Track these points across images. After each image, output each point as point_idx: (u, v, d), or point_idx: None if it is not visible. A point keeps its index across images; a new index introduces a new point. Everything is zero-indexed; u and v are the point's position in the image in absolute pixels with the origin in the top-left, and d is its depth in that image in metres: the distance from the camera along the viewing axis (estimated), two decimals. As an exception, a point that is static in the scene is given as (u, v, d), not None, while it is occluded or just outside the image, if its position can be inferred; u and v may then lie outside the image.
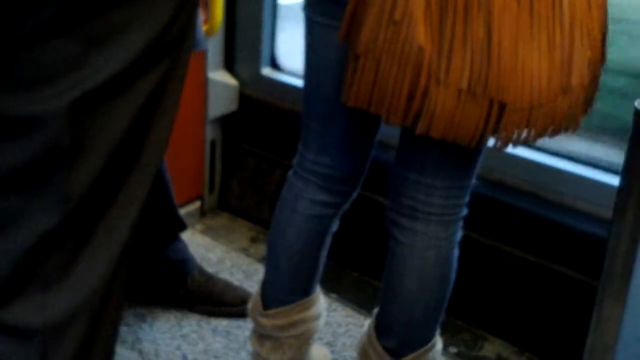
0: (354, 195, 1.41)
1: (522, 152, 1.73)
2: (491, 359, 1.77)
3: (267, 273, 1.46)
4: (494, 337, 1.82)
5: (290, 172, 1.41)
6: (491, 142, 1.17)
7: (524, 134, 1.14)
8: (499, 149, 1.16)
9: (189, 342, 1.73)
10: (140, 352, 1.69)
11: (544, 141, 1.64)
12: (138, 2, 0.77)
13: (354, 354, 1.65)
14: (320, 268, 1.45)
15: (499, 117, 1.10)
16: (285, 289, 1.44)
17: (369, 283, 1.97)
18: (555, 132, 1.18)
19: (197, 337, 1.75)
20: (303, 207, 1.38)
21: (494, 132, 1.13)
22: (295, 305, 1.43)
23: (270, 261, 1.45)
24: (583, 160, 1.71)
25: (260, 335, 1.47)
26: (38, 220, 0.79)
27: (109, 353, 0.91)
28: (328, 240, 1.43)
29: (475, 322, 1.85)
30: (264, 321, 1.44)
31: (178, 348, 1.71)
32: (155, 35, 0.78)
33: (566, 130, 1.20)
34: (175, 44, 0.82)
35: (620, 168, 1.18)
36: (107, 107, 0.78)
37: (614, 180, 1.26)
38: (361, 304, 1.88)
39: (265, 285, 1.46)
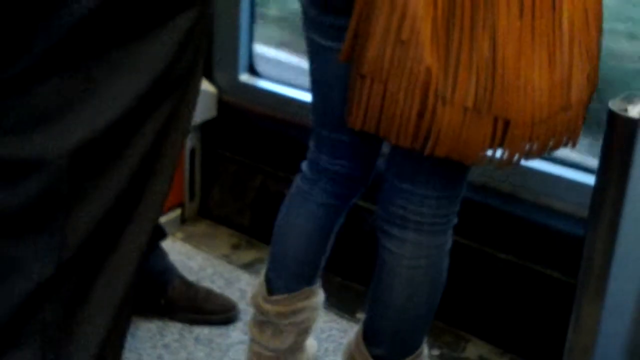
0: (362, 190, 1.43)
1: (499, 153, 1.73)
2: (474, 361, 1.77)
3: (273, 259, 1.47)
4: (476, 338, 1.82)
5: (299, 176, 1.43)
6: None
7: (527, 148, 1.15)
8: (503, 165, 1.17)
9: (170, 352, 1.72)
10: (122, 363, 1.68)
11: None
12: (140, 39, 0.73)
13: (337, 359, 1.64)
14: (325, 259, 1.47)
15: (503, 134, 1.11)
16: (292, 275, 1.45)
17: (352, 288, 1.97)
18: (555, 147, 1.19)
19: (179, 346, 1.74)
20: (316, 195, 1.40)
21: (498, 148, 1.14)
22: (300, 293, 1.45)
23: (277, 246, 1.47)
24: (560, 161, 1.72)
25: (260, 323, 1.48)
26: (32, 269, 0.76)
27: None
28: (335, 230, 1.45)
29: (458, 324, 1.85)
30: (268, 307, 1.45)
31: (160, 357, 1.70)
32: (160, 74, 0.75)
33: (566, 144, 1.21)
34: (180, 81, 0.78)
35: (596, 168, 1.19)
36: (110, 151, 0.75)
37: (591, 180, 1.27)
38: (344, 309, 1.87)
39: (271, 271, 1.47)
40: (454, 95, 1.08)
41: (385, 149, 1.35)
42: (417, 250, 1.30)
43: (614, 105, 1.10)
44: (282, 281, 1.45)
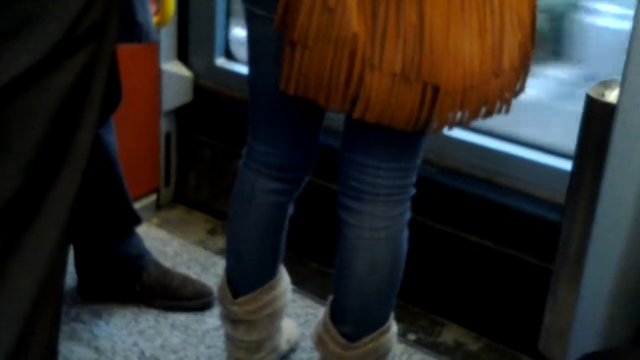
0: (306, 179, 1.42)
1: (475, 138, 1.74)
2: (449, 345, 1.78)
3: (231, 263, 1.46)
4: (452, 323, 1.83)
5: (241, 163, 1.41)
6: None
7: (458, 116, 1.17)
8: (435, 132, 1.18)
9: (146, 338, 1.71)
10: (97, 350, 1.66)
11: (497, 127, 1.65)
12: None
13: (314, 344, 1.65)
14: (283, 249, 1.46)
15: (433, 100, 1.13)
16: (252, 276, 1.45)
17: (328, 273, 1.97)
18: (488, 114, 1.22)
19: (154, 333, 1.73)
20: (258, 198, 1.38)
21: (430, 116, 1.15)
22: (264, 289, 1.44)
23: (232, 252, 1.45)
24: (536, 146, 1.72)
25: (232, 321, 1.47)
26: None
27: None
28: (286, 224, 1.44)
29: (433, 309, 1.86)
30: (236, 309, 1.45)
31: (135, 344, 1.69)
32: (68, 26, 0.74)
33: (498, 112, 1.23)
34: (94, 32, 0.78)
35: (572, 153, 1.19)
36: (21, 106, 0.74)
37: (567, 165, 1.28)
38: (321, 295, 1.87)
39: (230, 275, 1.46)
40: (382, 61, 1.10)
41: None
42: (375, 221, 1.31)
43: (592, 90, 1.10)
44: (244, 281, 1.44)
